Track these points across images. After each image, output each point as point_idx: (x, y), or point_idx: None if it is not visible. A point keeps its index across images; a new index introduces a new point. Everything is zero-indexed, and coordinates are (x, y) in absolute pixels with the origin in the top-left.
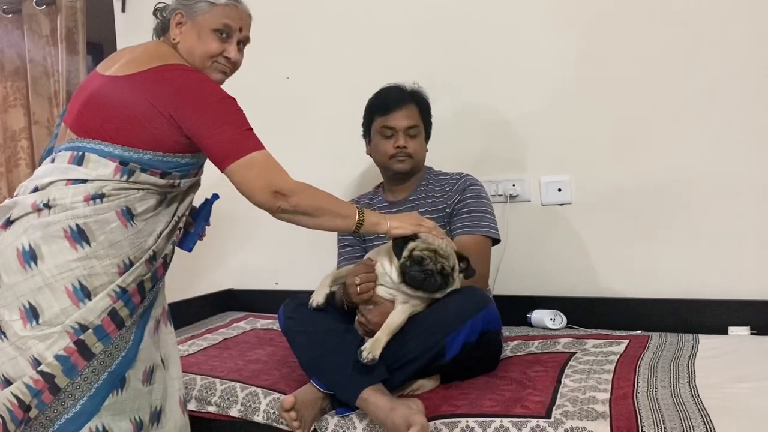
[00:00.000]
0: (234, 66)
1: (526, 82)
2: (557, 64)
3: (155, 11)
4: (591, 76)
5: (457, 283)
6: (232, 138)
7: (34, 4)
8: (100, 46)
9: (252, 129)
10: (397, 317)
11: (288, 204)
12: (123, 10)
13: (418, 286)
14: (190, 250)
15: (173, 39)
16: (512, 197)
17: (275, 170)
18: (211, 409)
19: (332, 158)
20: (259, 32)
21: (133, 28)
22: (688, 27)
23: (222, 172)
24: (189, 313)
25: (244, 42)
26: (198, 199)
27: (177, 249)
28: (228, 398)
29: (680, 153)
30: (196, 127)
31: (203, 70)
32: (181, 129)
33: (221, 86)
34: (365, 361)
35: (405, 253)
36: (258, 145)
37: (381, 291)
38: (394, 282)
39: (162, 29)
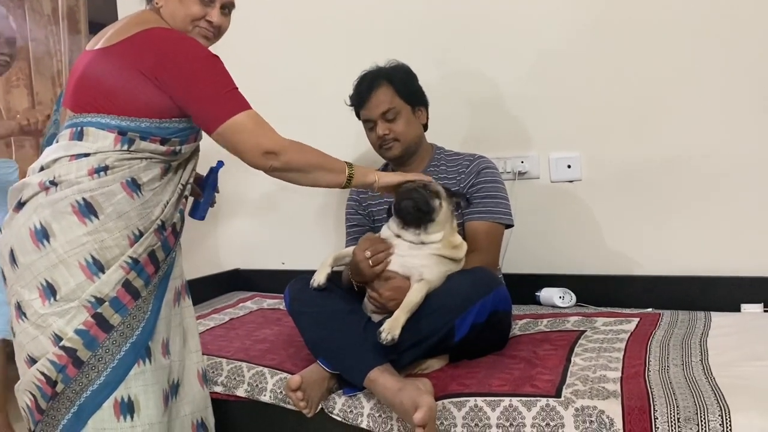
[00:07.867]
0: (218, 31)
1: (535, 56)
2: (568, 38)
3: None
4: (602, 50)
5: (443, 213)
6: (217, 100)
7: None
8: (102, 25)
9: (237, 88)
10: (414, 295)
11: (279, 162)
12: None
13: (408, 211)
14: (202, 218)
15: (157, 3)
16: (521, 174)
17: (264, 130)
18: (218, 389)
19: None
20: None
21: (135, 7)
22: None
23: (209, 135)
24: (195, 293)
25: (228, 7)
26: (203, 168)
27: (190, 220)
28: (235, 378)
29: (693, 129)
30: (179, 89)
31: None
32: (167, 92)
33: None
34: (384, 342)
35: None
36: (244, 105)
37: (393, 265)
38: (397, 230)
39: None
